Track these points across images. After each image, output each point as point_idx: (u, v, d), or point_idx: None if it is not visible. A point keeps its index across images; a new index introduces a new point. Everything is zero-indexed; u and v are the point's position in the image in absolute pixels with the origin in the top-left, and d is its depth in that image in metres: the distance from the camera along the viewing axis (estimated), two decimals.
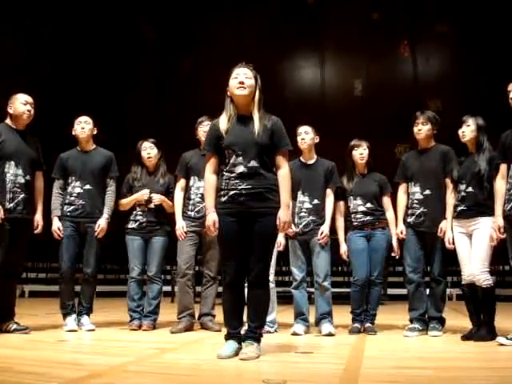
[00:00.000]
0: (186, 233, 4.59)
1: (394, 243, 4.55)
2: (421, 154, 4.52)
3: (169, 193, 4.82)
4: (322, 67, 12.29)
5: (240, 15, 12.08)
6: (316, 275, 4.44)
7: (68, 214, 4.58)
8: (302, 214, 4.49)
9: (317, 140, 4.64)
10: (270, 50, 11.37)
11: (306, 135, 4.56)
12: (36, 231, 4.40)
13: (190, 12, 12.05)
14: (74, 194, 4.60)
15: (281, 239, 4.41)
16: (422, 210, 4.37)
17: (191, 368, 3.00)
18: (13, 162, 4.22)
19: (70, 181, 4.63)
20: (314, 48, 12.25)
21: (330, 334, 4.25)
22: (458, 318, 5.41)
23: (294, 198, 4.48)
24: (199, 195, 4.56)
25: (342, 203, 4.67)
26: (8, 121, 4.35)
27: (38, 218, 4.41)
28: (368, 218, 4.55)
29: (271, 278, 4.13)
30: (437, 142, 4.52)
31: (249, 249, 3.29)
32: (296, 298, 4.53)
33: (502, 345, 3.59)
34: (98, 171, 4.68)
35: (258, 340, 3.29)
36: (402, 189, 4.59)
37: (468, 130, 4.09)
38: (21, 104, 4.31)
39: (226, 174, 3.34)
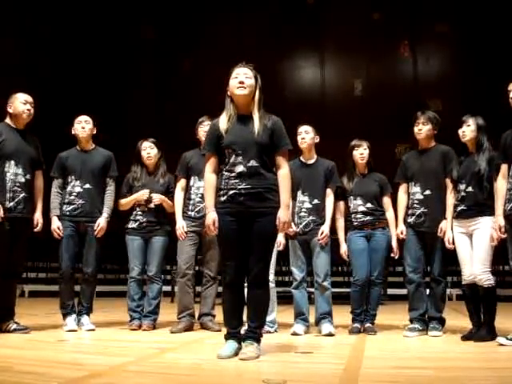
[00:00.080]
0: (186, 233, 4.59)
1: (394, 243, 4.55)
2: (421, 154, 4.52)
3: (169, 193, 4.82)
4: (322, 67, 12.29)
5: (240, 15, 12.08)
6: (316, 275, 4.44)
7: (67, 213, 4.58)
8: (302, 213, 4.49)
9: (317, 140, 4.64)
10: (270, 50, 11.37)
11: (307, 135, 4.56)
12: (36, 230, 4.40)
13: (190, 12, 12.05)
14: (74, 194, 4.60)
15: (281, 239, 4.41)
16: (422, 210, 4.37)
17: (191, 368, 3.00)
18: (13, 162, 4.23)
19: (69, 180, 4.62)
20: (314, 48, 12.25)
21: (330, 334, 4.25)
22: (458, 318, 5.41)
23: (294, 197, 4.48)
24: (199, 195, 4.56)
25: (342, 203, 4.68)
26: (8, 120, 4.35)
27: (38, 216, 4.41)
28: (368, 218, 4.55)
29: (271, 277, 4.13)
30: (437, 142, 4.52)
31: (248, 249, 3.29)
32: (296, 298, 4.53)
33: (501, 345, 3.59)
34: (97, 171, 4.68)
35: (257, 340, 3.29)
36: (402, 189, 4.58)
37: (468, 130, 4.09)
38: (20, 103, 4.31)
39: (226, 173, 3.34)
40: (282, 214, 3.28)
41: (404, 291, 5.11)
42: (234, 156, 3.31)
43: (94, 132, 4.78)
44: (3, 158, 4.20)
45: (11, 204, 4.19)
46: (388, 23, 11.54)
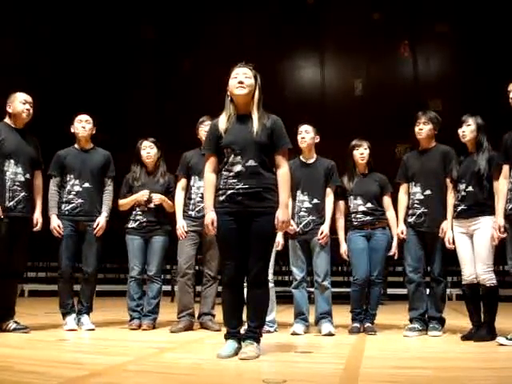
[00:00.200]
0: (186, 232, 4.59)
1: (395, 243, 4.55)
2: (421, 154, 4.52)
3: (169, 192, 4.82)
4: (322, 67, 12.29)
5: (240, 15, 12.08)
6: (316, 275, 4.45)
7: (67, 212, 4.58)
8: (302, 213, 4.49)
9: (317, 140, 4.64)
10: (270, 50, 11.37)
11: (307, 134, 4.57)
12: (35, 229, 4.40)
13: (190, 12, 12.05)
14: (73, 193, 4.60)
15: (279, 239, 4.41)
16: (422, 210, 4.37)
17: (191, 367, 3.00)
18: (12, 161, 4.23)
19: (68, 179, 4.62)
20: (314, 48, 12.25)
21: (330, 334, 4.25)
22: (457, 318, 5.41)
23: (294, 197, 4.49)
24: (200, 195, 4.56)
25: (342, 203, 4.68)
26: (7, 120, 4.35)
27: (38, 216, 4.41)
28: (368, 217, 4.56)
29: (270, 277, 4.12)
30: (437, 142, 4.52)
31: (248, 248, 3.29)
32: (296, 298, 4.53)
33: (501, 345, 3.59)
34: (97, 170, 4.69)
35: (257, 340, 3.29)
36: (402, 189, 4.59)
37: (468, 130, 4.09)
38: (20, 103, 4.31)
39: (225, 173, 3.34)
40: (281, 214, 3.28)
41: (404, 291, 5.12)
42: (232, 156, 3.31)
43: (94, 132, 4.78)
44: (3, 157, 4.19)
45: (11, 203, 4.19)
46: (388, 23, 11.54)
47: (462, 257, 4.08)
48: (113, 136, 9.37)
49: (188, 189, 4.73)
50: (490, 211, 3.92)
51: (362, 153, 4.63)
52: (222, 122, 3.40)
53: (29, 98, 4.37)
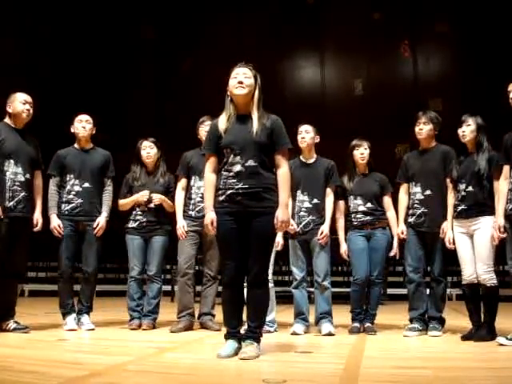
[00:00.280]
0: (186, 232, 4.59)
1: (395, 243, 4.55)
2: (422, 154, 4.52)
3: (168, 192, 4.83)
4: (322, 67, 12.29)
5: (240, 15, 12.08)
6: (316, 275, 4.45)
7: (66, 212, 4.58)
8: (302, 213, 4.50)
9: (317, 140, 4.64)
10: (270, 50, 11.37)
11: (307, 134, 4.57)
12: (36, 229, 4.40)
13: (190, 12, 12.05)
14: (73, 192, 4.60)
15: (279, 239, 4.40)
16: (422, 210, 4.37)
17: (191, 367, 3.01)
18: (12, 161, 4.23)
19: (67, 179, 4.62)
20: (314, 48, 12.25)
21: (330, 334, 4.25)
22: (457, 317, 5.41)
23: (294, 197, 4.49)
24: (200, 195, 4.56)
25: (342, 203, 4.68)
26: (7, 120, 4.35)
27: (38, 216, 4.41)
28: (368, 217, 4.56)
29: (270, 277, 4.12)
30: (437, 142, 4.52)
31: (248, 248, 3.29)
32: (296, 298, 4.53)
33: (501, 345, 3.59)
34: (97, 170, 4.69)
35: (257, 340, 3.29)
36: (403, 189, 4.59)
37: (468, 130, 4.09)
38: (20, 103, 4.31)
39: (224, 173, 3.35)
40: (281, 213, 3.27)
41: (404, 291, 5.12)
42: (232, 156, 3.32)
43: (94, 132, 4.78)
44: (3, 157, 4.19)
45: (11, 203, 4.19)
46: (388, 23, 11.54)
47: (462, 257, 4.08)
48: (113, 136, 9.38)
49: (188, 189, 4.73)
50: (490, 211, 3.92)
51: (362, 153, 4.63)
52: (222, 122, 3.41)
53: (29, 98, 4.37)
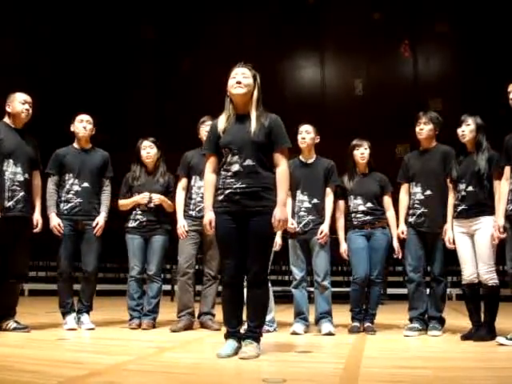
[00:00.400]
0: (187, 232, 4.60)
1: (395, 244, 4.55)
2: (422, 154, 4.53)
3: (168, 192, 4.83)
4: (322, 67, 12.28)
5: (240, 15, 12.07)
6: (316, 274, 4.45)
7: (65, 212, 4.58)
8: (302, 213, 4.50)
9: (317, 140, 4.64)
10: (270, 50, 11.36)
11: (307, 134, 4.57)
12: (36, 230, 4.40)
13: (190, 12, 12.04)
14: (72, 192, 4.60)
15: (277, 239, 4.41)
16: (422, 210, 4.38)
17: (191, 367, 3.01)
18: (11, 161, 4.23)
19: (66, 178, 4.62)
20: (314, 48, 12.24)
21: (330, 334, 4.25)
22: (457, 317, 5.41)
23: (294, 197, 4.50)
24: (200, 195, 4.56)
25: (342, 202, 4.68)
26: (6, 119, 4.36)
27: (37, 216, 4.41)
28: (368, 217, 4.56)
29: None
30: (438, 141, 4.52)
31: (247, 248, 3.29)
32: (296, 298, 4.54)
33: (501, 345, 3.60)
34: (96, 170, 4.70)
35: (257, 339, 3.29)
36: (403, 189, 4.59)
37: (467, 130, 4.09)
38: (19, 103, 4.31)
39: (223, 172, 3.36)
40: (278, 212, 3.26)
41: (404, 291, 5.12)
42: (230, 155, 3.33)
43: (93, 132, 4.79)
44: (2, 156, 4.19)
45: (10, 203, 4.19)
46: (388, 23, 11.53)
47: (462, 256, 4.08)
48: (113, 136, 9.38)
49: (189, 189, 4.73)
50: (491, 211, 3.92)
51: (362, 152, 4.63)
52: (221, 122, 3.42)
53: (28, 98, 4.37)
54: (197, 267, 4.81)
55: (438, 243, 4.30)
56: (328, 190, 4.55)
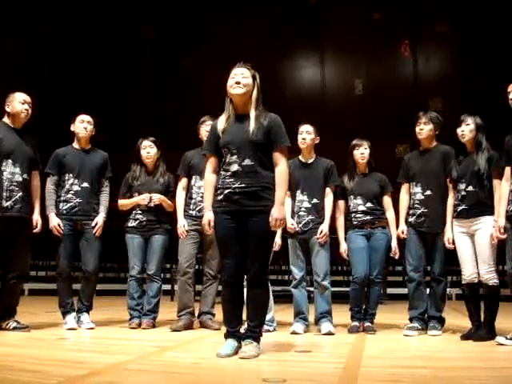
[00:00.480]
0: (187, 231, 4.60)
1: (394, 243, 4.56)
2: (422, 154, 4.53)
3: (168, 192, 4.83)
4: (322, 67, 12.28)
5: (240, 15, 12.07)
6: (315, 274, 4.45)
7: (64, 211, 4.58)
8: (301, 213, 4.50)
9: (317, 141, 4.65)
10: (270, 49, 11.36)
11: (308, 135, 4.57)
12: (35, 231, 4.40)
13: (190, 12, 12.04)
14: (72, 192, 4.60)
15: (277, 239, 4.41)
16: (422, 210, 4.38)
17: (191, 366, 3.01)
18: (10, 161, 4.22)
19: (66, 178, 4.62)
20: (314, 48, 12.24)
21: (330, 333, 4.26)
22: (457, 317, 5.41)
23: (293, 197, 4.51)
24: (200, 194, 4.56)
25: (342, 202, 4.69)
26: (6, 119, 4.35)
27: (37, 217, 4.41)
28: (368, 217, 4.56)
29: None
30: (438, 141, 4.52)
31: (247, 247, 3.30)
32: (295, 297, 4.54)
33: (501, 344, 3.60)
34: (96, 171, 4.71)
35: (257, 339, 3.29)
36: (404, 189, 4.60)
37: (467, 129, 4.09)
38: (19, 103, 4.31)
39: (223, 172, 3.37)
40: (276, 211, 3.25)
41: (403, 290, 5.11)
42: (229, 155, 3.34)
43: (93, 133, 4.80)
44: (1, 156, 4.19)
45: (8, 203, 4.18)
46: (388, 23, 11.53)
47: (462, 256, 4.08)
48: (113, 136, 9.38)
49: (189, 188, 4.74)
50: (491, 211, 3.92)
51: (362, 152, 4.63)
52: (221, 122, 3.44)
53: (28, 98, 4.37)
54: (197, 267, 4.82)
55: (438, 243, 4.31)
56: (328, 190, 4.56)
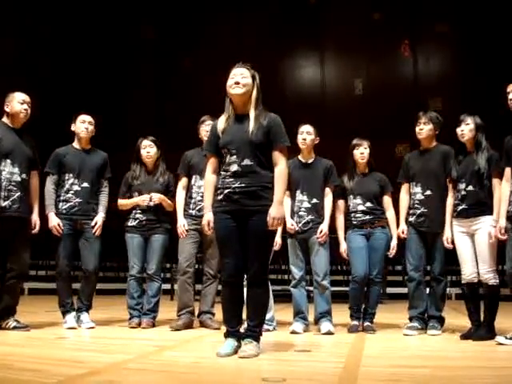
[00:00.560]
0: (187, 231, 4.61)
1: (393, 243, 4.56)
2: (422, 154, 4.53)
3: (168, 191, 4.84)
4: (322, 67, 12.27)
5: (240, 15, 12.07)
6: (315, 274, 4.45)
7: (64, 211, 4.58)
8: (301, 213, 4.51)
9: (317, 141, 4.65)
10: (269, 49, 11.36)
11: (308, 135, 4.57)
12: (34, 231, 4.40)
13: (190, 12, 12.04)
14: (72, 192, 4.61)
15: (277, 239, 4.40)
16: (422, 210, 4.38)
17: (191, 366, 3.01)
18: (9, 161, 4.22)
19: (66, 177, 4.62)
20: (314, 48, 12.23)
21: (330, 333, 4.26)
22: (457, 317, 5.41)
23: (293, 197, 4.51)
24: (200, 194, 4.57)
25: (341, 202, 4.69)
26: (5, 119, 4.36)
27: (35, 217, 4.41)
28: (367, 217, 4.57)
29: None
30: (438, 141, 4.52)
31: (247, 247, 3.30)
32: (295, 297, 4.54)
33: (500, 344, 3.60)
34: (96, 171, 4.72)
35: (257, 338, 3.30)
36: (404, 189, 4.60)
37: (467, 129, 4.09)
38: (18, 103, 4.31)
39: (223, 172, 3.38)
40: (273, 210, 3.25)
41: (403, 290, 5.11)
42: (229, 156, 3.34)
43: (93, 133, 4.80)
44: None
45: (6, 203, 4.18)
46: (388, 23, 11.52)
47: (461, 256, 4.08)
48: (113, 136, 9.37)
49: (189, 188, 4.74)
50: (491, 210, 3.92)
51: (362, 152, 4.64)
52: (221, 122, 3.45)
53: (27, 98, 4.37)
54: (197, 266, 4.82)
55: (438, 243, 4.31)
56: (327, 189, 4.56)
